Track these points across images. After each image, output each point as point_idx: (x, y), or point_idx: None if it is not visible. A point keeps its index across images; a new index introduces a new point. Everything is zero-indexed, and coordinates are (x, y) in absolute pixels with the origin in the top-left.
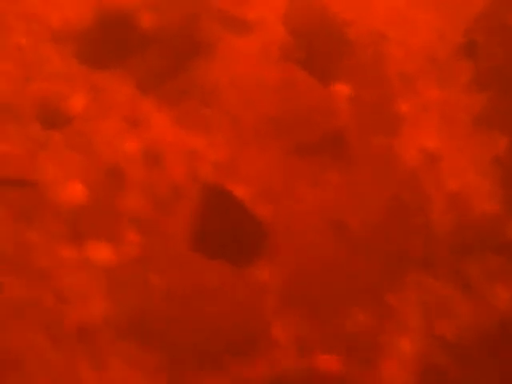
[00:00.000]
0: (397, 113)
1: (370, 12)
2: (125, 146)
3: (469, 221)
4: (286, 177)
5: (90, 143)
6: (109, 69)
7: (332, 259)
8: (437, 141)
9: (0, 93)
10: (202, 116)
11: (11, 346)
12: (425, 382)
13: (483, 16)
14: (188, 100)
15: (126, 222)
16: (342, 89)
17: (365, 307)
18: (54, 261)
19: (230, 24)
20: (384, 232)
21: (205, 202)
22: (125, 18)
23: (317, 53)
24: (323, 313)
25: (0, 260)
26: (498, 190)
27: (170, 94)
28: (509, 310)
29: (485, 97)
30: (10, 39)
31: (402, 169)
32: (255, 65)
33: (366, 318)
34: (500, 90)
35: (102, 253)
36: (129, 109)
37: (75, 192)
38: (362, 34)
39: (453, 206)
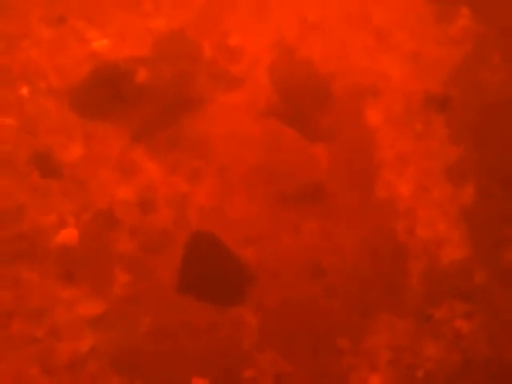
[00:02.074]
0: (373, 163)
1: (351, 65)
2: (117, 193)
3: (438, 268)
4: (269, 223)
5: (85, 190)
6: (103, 120)
7: (309, 301)
8: (410, 191)
9: (1, 144)
10: (191, 166)
11: (7, 376)
12: None
13: (458, 71)
14: (178, 151)
15: (116, 264)
16: (322, 141)
17: (338, 346)
18: (47, 299)
19: (219, 79)
20: (358, 276)
21: (192, 246)
22: (120, 72)
23: (300, 106)
24: (299, 350)
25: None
26: (466, 239)
27: (161, 144)
28: (471, 349)
29: (457, 149)
30: (12, 92)
31: (377, 218)
32: (242, 118)
33: (340, 356)
34: (472, 143)
35: (92, 292)
36: (122, 158)
37: (69, 236)
38: (343, 87)
39: (423, 254)
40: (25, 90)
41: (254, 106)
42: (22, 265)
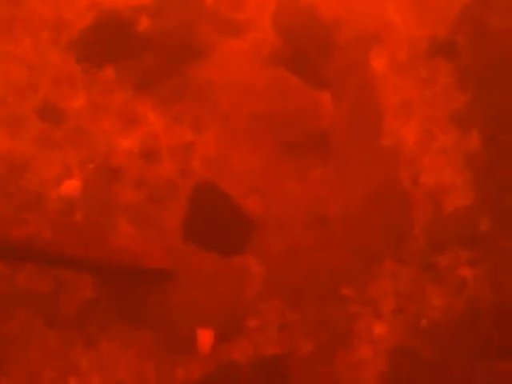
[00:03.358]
0: (378, 111)
1: (356, 12)
2: (121, 143)
3: (443, 215)
4: (273, 172)
5: (88, 140)
6: (106, 69)
7: (315, 250)
8: (415, 138)
9: (4, 94)
10: (195, 115)
11: (14, 330)
12: (398, 363)
13: (463, 16)
14: (181, 100)
15: (120, 214)
16: (327, 88)
17: (343, 294)
18: None
19: (223, 27)
20: (363, 224)
21: (197, 196)
22: (123, 20)
23: (304, 53)
24: (304, 299)
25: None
26: (471, 186)
27: (165, 93)
28: (475, 296)
29: (463, 96)
30: (16, 44)
31: (381, 165)
32: (246, 66)
33: (344, 304)
34: (478, 90)
35: None
36: (125, 108)
37: (72, 186)
38: (348, 34)
39: (428, 201)
40: (28, 42)
41: (259, 53)
42: (25, 216)
